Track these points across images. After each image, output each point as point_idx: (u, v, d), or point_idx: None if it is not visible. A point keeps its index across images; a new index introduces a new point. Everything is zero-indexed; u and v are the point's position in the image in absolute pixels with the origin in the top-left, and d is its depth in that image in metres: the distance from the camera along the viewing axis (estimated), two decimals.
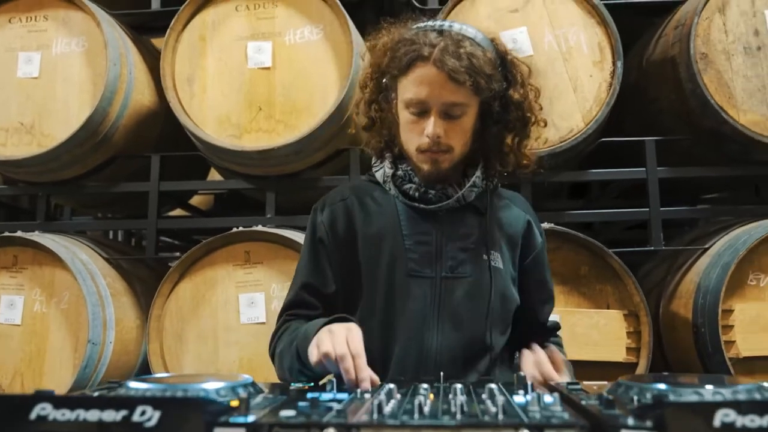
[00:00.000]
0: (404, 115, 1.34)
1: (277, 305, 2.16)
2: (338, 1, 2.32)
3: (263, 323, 2.17)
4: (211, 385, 0.96)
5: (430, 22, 1.35)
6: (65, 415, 0.76)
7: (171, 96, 2.32)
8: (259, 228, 2.26)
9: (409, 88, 1.31)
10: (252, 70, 2.34)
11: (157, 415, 0.74)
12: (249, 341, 2.17)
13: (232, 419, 0.76)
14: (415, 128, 1.32)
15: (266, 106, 2.32)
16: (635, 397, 0.83)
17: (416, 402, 0.77)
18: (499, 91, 1.32)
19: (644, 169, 2.36)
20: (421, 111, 1.31)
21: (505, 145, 1.39)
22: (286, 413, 0.80)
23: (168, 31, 2.36)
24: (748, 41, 2.30)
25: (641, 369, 2.10)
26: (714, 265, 2.16)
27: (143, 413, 0.75)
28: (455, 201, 1.38)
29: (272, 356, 1.43)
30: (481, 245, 1.38)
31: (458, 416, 0.74)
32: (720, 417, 0.66)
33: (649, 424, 0.68)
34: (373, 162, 1.49)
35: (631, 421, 0.69)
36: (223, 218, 2.45)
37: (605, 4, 2.33)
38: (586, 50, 2.31)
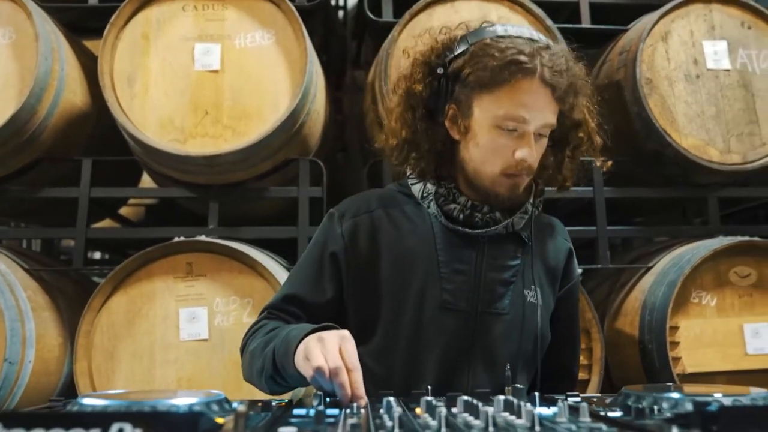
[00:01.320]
0: (488, 134, 1.18)
1: (221, 321, 2.04)
2: (293, 8, 2.25)
3: (205, 340, 2.02)
4: (183, 400, 0.85)
5: (503, 27, 1.20)
6: None
7: (109, 95, 2.16)
8: (203, 238, 2.12)
9: (506, 104, 1.15)
10: (199, 72, 2.22)
11: None
12: (189, 359, 2.01)
13: None
14: (504, 148, 1.17)
15: (213, 110, 2.20)
16: (654, 407, 0.79)
17: (440, 415, 0.69)
18: (581, 115, 1.23)
19: (591, 188, 2.41)
20: (515, 130, 1.16)
21: (553, 165, 1.29)
22: (287, 430, 0.71)
23: (108, 27, 2.20)
24: (688, 69, 2.40)
25: (593, 385, 2.11)
26: (659, 284, 2.22)
27: None
28: (503, 228, 1.24)
29: (242, 351, 1.27)
30: (521, 279, 1.25)
31: (491, 429, 0.67)
32: None
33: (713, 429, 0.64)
34: (408, 174, 1.33)
35: (678, 430, 0.65)
36: (163, 228, 2.28)
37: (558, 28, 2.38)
38: None
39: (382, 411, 0.82)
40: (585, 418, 0.75)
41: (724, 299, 2.22)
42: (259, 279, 2.07)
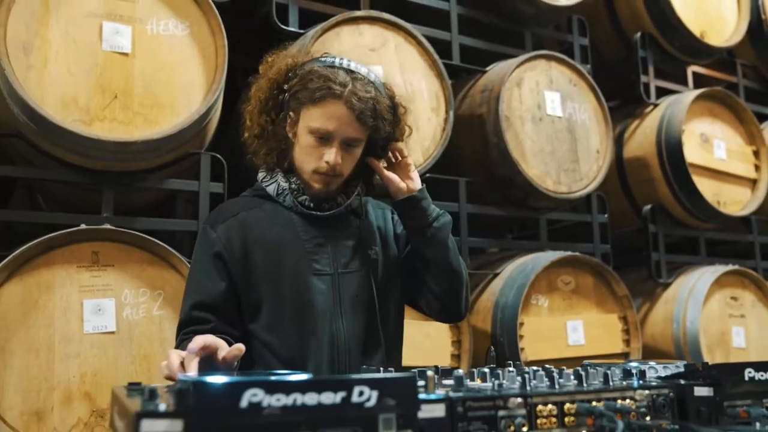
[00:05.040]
0: (306, 139, 1.50)
1: (130, 313, 2.00)
2: (211, 2, 2.26)
3: (112, 333, 1.95)
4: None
5: (338, 60, 1.52)
6: (281, 400, 0.75)
7: (4, 63, 1.95)
8: (109, 227, 2.03)
9: (317, 119, 1.47)
10: (107, 53, 2.12)
11: (375, 394, 0.78)
12: (94, 353, 1.92)
13: (432, 396, 0.83)
14: (315, 153, 1.50)
15: (123, 95, 2.11)
16: (626, 371, 1.13)
17: (549, 375, 0.94)
18: (388, 131, 1.57)
19: (457, 204, 2.80)
20: (324, 139, 1.49)
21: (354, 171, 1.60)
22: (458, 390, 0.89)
23: None
24: (534, 112, 2.93)
25: None
26: (510, 287, 2.68)
27: (361, 393, 0.78)
28: (344, 208, 1.58)
29: None
30: (363, 242, 1.59)
31: (596, 383, 0.94)
32: (746, 374, 0.99)
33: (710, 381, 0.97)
34: (261, 177, 1.61)
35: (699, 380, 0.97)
36: (61, 214, 2.10)
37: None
38: (426, 96, 2.66)
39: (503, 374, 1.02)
40: (617, 372, 1.05)
41: (554, 301, 2.76)
42: (171, 271, 2.06)
